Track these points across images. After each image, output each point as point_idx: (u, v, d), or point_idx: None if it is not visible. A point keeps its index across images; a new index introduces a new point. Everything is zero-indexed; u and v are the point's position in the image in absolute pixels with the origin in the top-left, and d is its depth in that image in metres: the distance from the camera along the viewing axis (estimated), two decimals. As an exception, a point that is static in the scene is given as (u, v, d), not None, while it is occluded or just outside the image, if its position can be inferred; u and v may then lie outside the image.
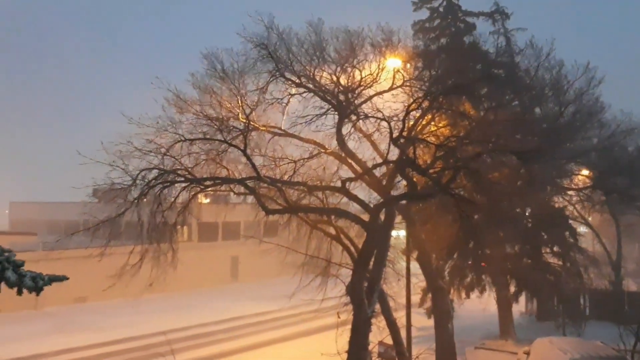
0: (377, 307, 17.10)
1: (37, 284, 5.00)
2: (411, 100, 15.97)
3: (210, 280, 39.83)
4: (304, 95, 16.68)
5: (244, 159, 16.50)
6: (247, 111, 16.31)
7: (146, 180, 15.69)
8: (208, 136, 16.45)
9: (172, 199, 16.64)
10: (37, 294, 5.04)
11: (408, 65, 16.85)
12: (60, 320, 29.07)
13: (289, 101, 16.97)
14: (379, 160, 17.13)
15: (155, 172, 15.84)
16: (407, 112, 15.58)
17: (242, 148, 15.96)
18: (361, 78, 16.14)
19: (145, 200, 16.00)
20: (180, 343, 23.23)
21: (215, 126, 16.28)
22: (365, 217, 16.95)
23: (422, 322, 25.35)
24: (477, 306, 27.15)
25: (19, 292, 5.01)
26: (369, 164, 16.95)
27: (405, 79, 16.20)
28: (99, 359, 23.11)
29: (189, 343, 24.88)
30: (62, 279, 5.13)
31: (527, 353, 19.08)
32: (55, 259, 26.67)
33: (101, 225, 15.54)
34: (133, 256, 15.71)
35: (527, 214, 26.27)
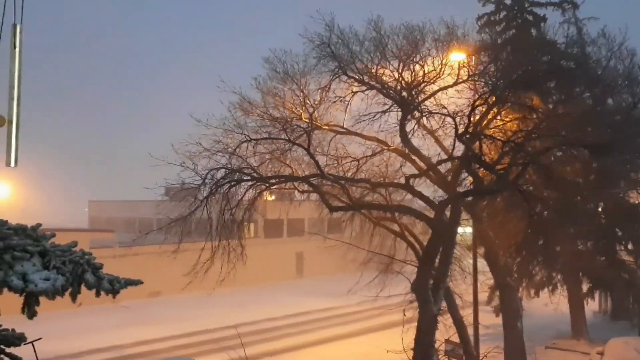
0: (444, 304, 16.95)
1: (113, 286, 5.33)
2: (476, 95, 15.71)
3: (276, 275, 40.55)
4: (367, 92, 16.72)
5: (307, 158, 16.76)
6: (310, 111, 16.54)
7: (215, 180, 16.23)
8: (272, 136, 16.82)
9: (239, 197, 17.14)
10: (114, 297, 5.38)
11: (473, 59, 16.54)
12: (136, 313, 30.43)
13: (351, 99, 17.05)
14: (444, 157, 16.96)
15: (223, 172, 16.37)
16: (473, 108, 15.34)
17: (305, 147, 16.20)
18: (424, 74, 15.99)
19: (214, 198, 16.55)
20: (250, 337, 23.82)
21: (279, 126, 16.62)
22: (430, 213, 16.84)
23: (490, 320, 24.87)
24: (547, 305, 26.34)
25: (97, 294, 5.36)
26: (434, 160, 16.80)
27: (470, 74, 15.92)
28: (172, 350, 24.05)
29: (258, 337, 25.46)
30: (137, 282, 5.45)
31: (601, 354, 18.41)
32: (131, 255, 28.07)
33: (173, 223, 16.19)
34: (204, 252, 16.27)
35: (600, 209, 25.24)
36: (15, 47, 1.82)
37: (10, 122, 1.79)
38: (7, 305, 6.11)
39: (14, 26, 1.89)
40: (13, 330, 6.28)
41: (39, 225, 5.59)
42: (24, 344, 6.38)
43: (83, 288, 5.56)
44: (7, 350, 6.23)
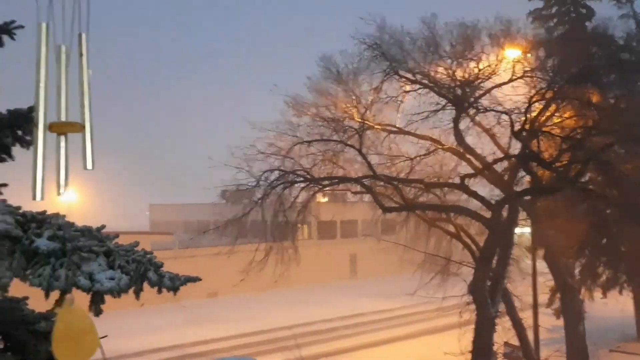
0: (502, 307, 16.60)
1: (174, 283, 5.50)
2: (533, 91, 15.32)
3: (330, 276, 40.67)
4: (419, 91, 16.59)
5: (359, 158, 16.75)
6: (362, 111, 16.55)
7: (268, 181, 16.48)
8: (325, 137, 16.92)
9: (293, 199, 17.31)
10: (175, 293, 5.56)
11: (528, 55, 16.14)
12: (195, 313, 31.15)
13: (403, 98, 16.94)
14: (500, 155, 16.60)
15: (276, 174, 16.59)
16: (530, 104, 14.97)
17: (357, 147, 16.21)
18: (478, 71, 15.74)
19: (268, 200, 16.80)
20: (305, 337, 24.00)
21: (331, 127, 16.71)
22: (486, 213, 16.52)
23: (551, 322, 24.15)
24: (612, 306, 25.35)
25: (159, 291, 5.54)
26: (489, 159, 16.47)
27: (525, 70, 15.54)
28: (230, 350, 24.50)
29: (314, 338, 25.62)
30: (195, 279, 5.62)
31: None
32: (190, 257, 28.78)
33: (229, 224, 16.54)
34: (258, 253, 16.54)
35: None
36: (81, 55, 1.93)
37: (84, 127, 1.89)
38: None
39: (80, 35, 2.00)
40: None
41: (103, 226, 5.84)
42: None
43: (145, 286, 5.77)
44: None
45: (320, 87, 17.32)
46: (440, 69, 16.14)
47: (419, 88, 16.39)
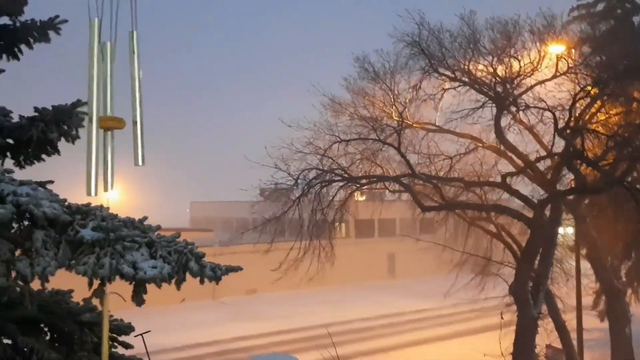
0: (544, 308, 16.24)
1: (215, 273, 5.58)
2: (578, 88, 14.94)
3: (368, 275, 40.54)
4: (459, 89, 16.39)
5: (398, 157, 16.65)
6: (400, 109, 16.45)
7: (306, 180, 16.53)
8: (362, 136, 16.88)
9: (331, 198, 17.33)
10: (217, 283, 5.62)
11: (572, 51, 15.74)
12: (234, 310, 31.55)
13: (442, 96, 16.77)
14: (542, 153, 16.23)
15: (314, 172, 16.64)
16: (574, 101, 14.60)
17: (396, 146, 16.11)
18: (520, 67, 15.44)
19: (306, 199, 16.86)
20: (342, 336, 23.93)
21: (369, 126, 16.66)
22: (528, 213, 16.20)
23: (595, 325, 23.48)
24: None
25: (201, 282, 5.63)
26: (531, 157, 16.14)
27: (570, 66, 15.16)
28: (268, 347, 24.69)
29: (351, 336, 25.57)
30: (237, 269, 5.67)
31: None
32: (229, 254, 29.10)
33: (268, 223, 16.69)
34: (296, 251, 16.62)
35: None
36: (133, 53, 1.99)
37: (135, 123, 1.95)
38: (116, 300, 6.49)
39: (131, 33, 2.07)
40: (122, 320, 6.75)
41: (145, 217, 5.98)
42: (135, 336, 6.82)
43: (186, 281, 5.86)
44: (120, 338, 6.71)
45: (357, 86, 17.33)
46: (481, 66, 15.91)
47: (459, 85, 16.19)
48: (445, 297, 19.94)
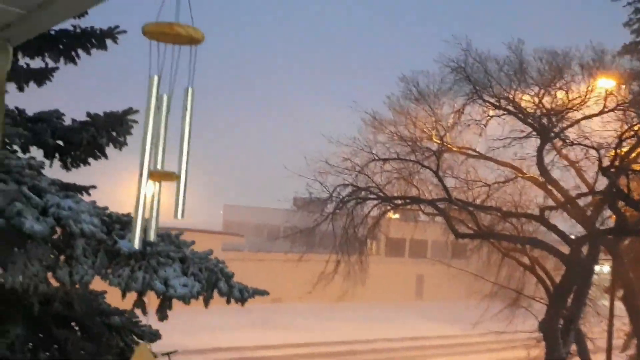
0: (573, 347, 15.82)
1: (242, 295, 5.65)
2: (625, 126, 14.59)
3: (395, 295, 40.13)
4: (503, 117, 16.22)
5: (435, 180, 16.52)
6: (442, 133, 16.35)
7: (341, 196, 16.56)
8: (401, 156, 16.82)
9: (364, 215, 17.31)
10: (242, 305, 5.69)
11: (622, 87, 15.40)
12: (258, 317, 31.59)
13: (486, 123, 16.60)
14: (584, 189, 15.89)
15: (349, 189, 16.66)
16: (621, 139, 14.26)
17: (434, 169, 16.01)
18: (567, 101, 15.19)
19: (338, 214, 16.89)
20: (364, 355, 23.81)
21: (409, 146, 16.59)
22: (565, 249, 15.86)
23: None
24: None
25: (228, 302, 5.69)
26: (573, 193, 15.82)
27: (618, 102, 14.84)
28: (287, 359, 24.69)
29: (373, 356, 25.38)
30: (263, 293, 5.73)
31: None
32: (259, 260, 29.31)
33: (299, 234, 16.78)
34: (326, 266, 16.65)
35: None
36: (186, 109, 2.02)
37: (178, 177, 1.98)
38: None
39: (186, 90, 2.10)
40: (150, 326, 6.87)
41: (182, 232, 6.07)
42: (162, 355, 6.91)
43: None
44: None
45: (399, 106, 17.31)
46: (526, 96, 15.72)
47: (503, 114, 16.01)
48: (474, 326, 19.61)
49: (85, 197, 6.47)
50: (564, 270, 15.57)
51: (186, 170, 2.08)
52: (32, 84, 7.48)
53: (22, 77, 7.22)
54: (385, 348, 27.19)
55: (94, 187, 6.31)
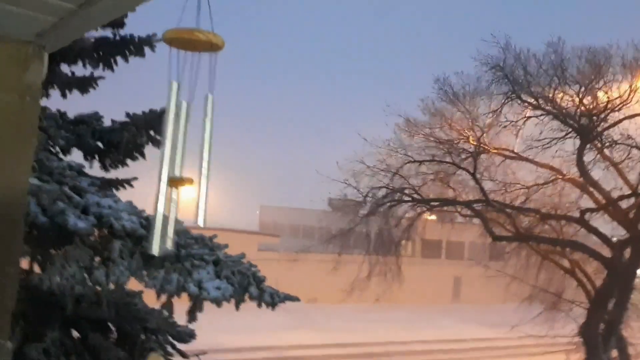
0: (614, 353, 15.41)
1: (273, 300, 5.71)
2: (670, 125, 14.14)
3: (431, 297, 39.78)
4: (541, 117, 15.90)
5: (472, 182, 16.33)
6: (478, 134, 16.13)
7: (375, 198, 16.53)
8: (437, 158, 16.67)
9: (399, 217, 17.23)
10: (273, 309, 5.75)
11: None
12: (293, 317, 31.72)
13: (524, 124, 16.30)
14: (627, 191, 15.45)
15: (384, 191, 16.60)
16: (664, 139, 13.83)
17: (471, 171, 15.81)
18: (608, 100, 14.79)
19: (373, 215, 16.87)
20: (398, 357, 23.66)
21: (444, 149, 16.43)
22: (606, 252, 15.45)
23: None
24: None
25: (259, 306, 5.77)
26: (615, 194, 15.39)
27: (662, 102, 14.38)
28: (323, 359, 24.75)
29: (409, 358, 25.22)
30: (294, 299, 5.78)
31: None
32: (294, 261, 29.51)
33: (335, 237, 16.84)
34: (362, 269, 16.67)
35: None
36: (206, 116, 2.05)
37: (199, 185, 2.02)
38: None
39: (206, 97, 2.14)
40: (186, 327, 7.01)
41: (215, 236, 6.18)
42: (192, 356, 7.04)
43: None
44: (177, 346, 6.96)
45: (434, 108, 17.16)
46: (566, 96, 15.37)
47: (542, 114, 15.70)
48: (513, 328, 19.31)
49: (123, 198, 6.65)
50: (605, 273, 15.17)
51: (207, 177, 2.12)
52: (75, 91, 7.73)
53: (64, 84, 7.47)
54: (421, 350, 27.00)
55: (135, 178, 6.48)
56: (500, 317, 23.93)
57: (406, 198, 16.75)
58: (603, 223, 16.08)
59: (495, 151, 16.56)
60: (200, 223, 2.04)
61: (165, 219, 2.07)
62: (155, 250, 2.22)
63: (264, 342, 25.87)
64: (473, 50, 15.66)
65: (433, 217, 27.26)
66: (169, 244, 2.04)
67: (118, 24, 7.46)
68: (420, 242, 38.93)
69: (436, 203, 17.08)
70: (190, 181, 2.06)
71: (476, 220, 18.57)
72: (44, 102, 7.40)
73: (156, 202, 2.05)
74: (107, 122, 7.54)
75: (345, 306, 32.20)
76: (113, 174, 7.51)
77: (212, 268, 5.58)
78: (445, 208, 18.03)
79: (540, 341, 19.05)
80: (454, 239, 25.14)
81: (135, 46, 7.40)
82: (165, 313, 6.40)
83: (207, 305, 6.32)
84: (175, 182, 2.05)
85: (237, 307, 5.75)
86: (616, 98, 14.54)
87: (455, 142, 16.53)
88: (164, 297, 5.52)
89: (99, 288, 5.63)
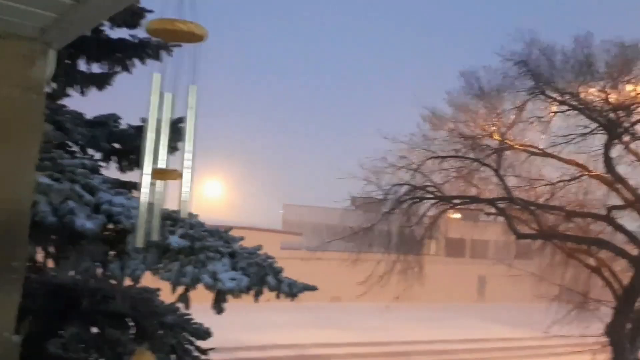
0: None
1: (292, 289, 5.69)
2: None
3: (456, 297, 39.41)
4: (567, 113, 15.62)
5: (495, 179, 16.11)
6: (503, 129, 15.92)
7: (397, 195, 16.41)
8: (460, 154, 16.50)
9: (421, 215, 17.08)
10: (292, 299, 5.73)
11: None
12: (317, 316, 31.76)
13: (550, 119, 16.04)
14: (655, 188, 15.09)
15: (405, 188, 16.47)
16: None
17: (495, 167, 15.61)
18: (636, 94, 14.46)
19: (395, 213, 16.74)
20: (423, 356, 23.48)
21: (468, 144, 16.24)
22: (633, 250, 15.11)
23: None
24: None
25: (277, 296, 5.76)
26: (642, 191, 15.04)
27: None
28: (348, 357, 24.71)
29: (431, 357, 25.03)
30: (312, 288, 5.76)
31: None
32: (317, 259, 29.51)
33: (356, 234, 16.76)
34: (381, 266, 16.55)
35: None
36: (190, 108, 2.02)
37: (180, 176, 1.97)
38: (204, 294, 6.67)
39: (189, 88, 2.10)
40: (202, 324, 7.04)
41: (231, 228, 6.20)
42: (203, 351, 7.05)
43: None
44: (196, 343, 6.99)
45: (459, 102, 16.98)
46: (593, 90, 15.07)
47: (567, 109, 15.42)
48: (535, 328, 19.04)
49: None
50: (632, 272, 14.83)
51: (192, 167, 2.07)
52: (93, 89, 7.84)
53: (83, 82, 7.59)
54: (444, 349, 26.78)
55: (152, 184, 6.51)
56: (525, 316, 23.65)
57: (428, 195, 16.59)
58: (631, 220, 15.73)
59: (520, 147, 16.33)
60: (184, 214, 2.00)
61: (151, 211, 2.02)
62: (139, 242, 2.18)
63: (287, 340, 25.93)
64: (501, 45, 15.48)
65: (457, 215, 27.02)
66: (155, 236, 1.99)
67: (132, 24, 7.55)
68: (444, 241, 38.60)
69: (458, 201, 16.88)
70: (176, 174, 2.02)
71: (500, 219, 18.32)
72: (62, 100, 7.54)
73: (141, 193, 2.01)
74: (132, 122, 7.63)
75: (369, 305, 31.96)
76: (129, 177, 7.59)
77: (228, 260, 5.59)
78: (469, 206, 17.82)
79: (566, 341, 18.73)
80: (478, 237, 24.81)
81: (153, 50, 7.50)
82: (182, 310, 6.45)
83: (230, 303, 6.32)
84: (159, 174, 2.01)
85: (256, 298, 5.76)
86: (644, 92, 14.21)
87: (479, 137, 16.33)
88: (180, 290, 5.54)
89: (114, 282, 5.71)
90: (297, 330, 28.13)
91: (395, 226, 16.90)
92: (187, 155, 2.03)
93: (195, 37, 2.05)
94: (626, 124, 14.52)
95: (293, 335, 26.86)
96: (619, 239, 16.08)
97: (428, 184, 16.53)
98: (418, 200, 16.50)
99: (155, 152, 1.99)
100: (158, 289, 7.21)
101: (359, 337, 27.27)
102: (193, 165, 2.03)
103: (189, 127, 2.00)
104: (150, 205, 2.00)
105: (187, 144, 2.03)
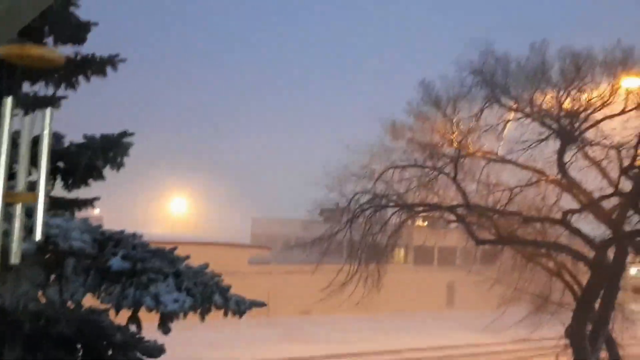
0: (604, 354, 15.35)
1: (239, 307, 5.64)
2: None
3: (425, 304, 39.60)
4: (521, 120, 15.94)
5: (455, 186, 16.29)
6: (460, 138, 16.15)
7: (359, 204, 16.48)
8: (419, 163, 16.66)
9: (383, 223, 17.14)
10: (240, 317, 5.68)
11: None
12: (287, 330, 31.54)
13: (504, 127, 16.34)
14: (608, 191, 15.44)
15: (367, 196, 16.56)
16: (640, 139, 13.86)
17: (452, 175, 15.80)
18: (588, 101, 14.84)
19: (358, 221, 16.79)
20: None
21: (427, 153, 16.43)
22: (590, 252, 15.43)
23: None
24: None
25: (225, 314, 5.69)
26: (596, 195, 15.39)
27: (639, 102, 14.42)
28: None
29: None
30: (261, 304, 5.72)
31: None
32: (285, 272, 29.35)
33: (313, 243, 16.74)
34: (341, 275, 16.52)
35: None
36: (44, 131, 2.01)
37: (36, 198, 1.93)
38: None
39: (44, 112, 2.10)
40: (155, 341, 6.92)
41: (175, 248, 6.12)
42: None
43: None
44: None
45: (418, 111, 17.17)
46: (548, 98, 15.41)
47: (521, 117, 15.74)
48: (502, 333, 19.26)
49: (95, 214, 6.58)
50: (590, 274, 15.14)
51: (44, 192, 2.04)
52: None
53: (28, 104, 7.37)
54: (412, 358, 26.85)
55: (97, 198, 6.41)
56: (494, 322, 23.84)
57: (390, 204, 16.70)
58: (586, 224, 16.08)
59: (478, 154, 16.58)
60: (37, 237, 1.96)
61: (6, 234, 1.98)
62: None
63: (257, 355, 25.62)
64: (460, 54, 15.72)
65: (425, 223, 27.22)
66: (15, 260, 1.95)
67: (79, 39, 7.43)
68: (413, 249, 38.86)
69: (419, 208, 17.02)
70: (31, 196, 1.99)
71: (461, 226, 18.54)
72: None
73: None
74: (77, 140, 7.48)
75: (339, 317, 31.98)
76: (89, 190, 7.43)
77: (172, 280, 5.52)
78: (426, 213, 17.99)
79: (531, 344, 19.03)
80: (445, 244, 25.04)
81: (97, 66, 7.37)
82: (133, 329, 6.32)
83: (190, 320, 6.23)
84: (13, 197, 1.98)
85: (202, 318, 5.68)
86: (596, 97, 14.57)
87: (439, 146, 16.54)
88: (127, 312, 5.44)
89: (55, 305, 5.56)
90: (268, 345, 27.86)
91: (359, 234, 16.92)
92: (43, 177, 2.01)
93: (48, 62, 2.06)
94: (579, 130, 14.85)
95: (264, 350, 26.56)
96: (578, 243, 16.42)
97: (390, 192, 16.64)
98: (380, 208, 16.58)
99: (10, 175, 1.97)
100: (107, 309, 7.07)
101: (329, 350, 27.15)
102: (46, 188, 2.00)
103: (44, 150, 1.98)
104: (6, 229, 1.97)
105: (42, 167, 2.01)
